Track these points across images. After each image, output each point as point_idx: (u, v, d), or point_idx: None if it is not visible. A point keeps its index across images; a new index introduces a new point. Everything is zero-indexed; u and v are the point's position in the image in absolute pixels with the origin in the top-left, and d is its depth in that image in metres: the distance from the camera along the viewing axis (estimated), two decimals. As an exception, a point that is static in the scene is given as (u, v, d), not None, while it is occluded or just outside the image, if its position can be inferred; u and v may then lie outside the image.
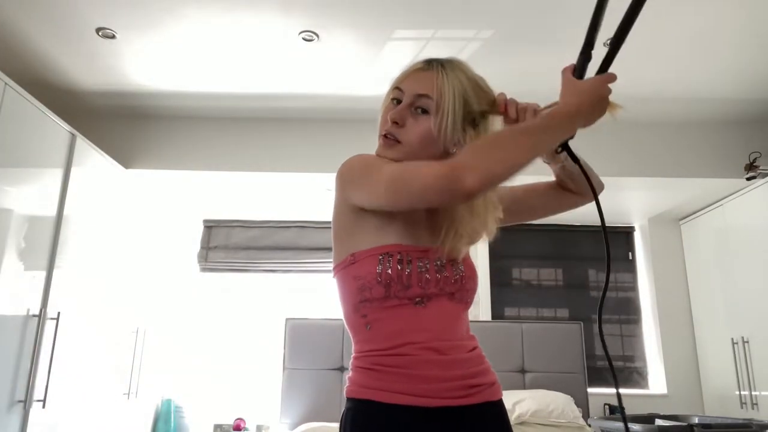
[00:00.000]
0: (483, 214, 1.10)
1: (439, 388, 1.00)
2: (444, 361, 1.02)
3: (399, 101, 1.11)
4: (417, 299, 1.04)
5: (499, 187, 1.04)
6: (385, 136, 1.10)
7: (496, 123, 1.12)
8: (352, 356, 1.10)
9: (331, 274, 1.14)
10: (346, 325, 1.11)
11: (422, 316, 1.04)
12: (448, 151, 1.10)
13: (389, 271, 1.03)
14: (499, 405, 1.08)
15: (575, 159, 1.13)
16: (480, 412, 1.03)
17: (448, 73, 1.07)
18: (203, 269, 4.34)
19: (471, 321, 1.15)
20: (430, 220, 1.12)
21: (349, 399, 1.05)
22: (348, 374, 1.08)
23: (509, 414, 3.18)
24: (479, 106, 1.08)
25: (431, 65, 1.10)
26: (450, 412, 1.00)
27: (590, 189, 1.11)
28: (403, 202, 0.99)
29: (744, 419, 2.72)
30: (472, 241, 1.13)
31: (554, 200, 1.26)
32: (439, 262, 1.07)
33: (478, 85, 1.10)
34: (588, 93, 1.02)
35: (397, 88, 1.12)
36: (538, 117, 1.03)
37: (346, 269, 1.08)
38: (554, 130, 0.99)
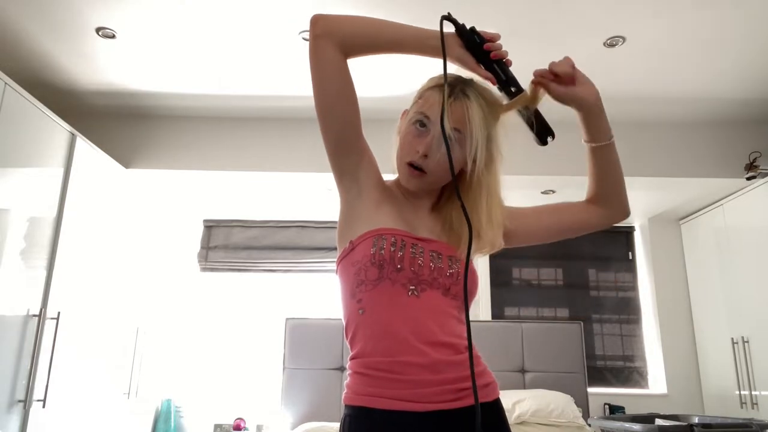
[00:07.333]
0: (498, 227, 1.11)
1: (430, 392, 1.00)
2: (434, 364, 1.01)
3: (422, 124, 1.09)
4: (411, 287, 1.04)
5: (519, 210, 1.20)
6: (410, 165, 1.09)
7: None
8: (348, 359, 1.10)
9: (335, 272, 1.15)
10: (343, 323, 1.11)
11: (414, 306, 1.04)
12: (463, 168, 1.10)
13: (382, 251, 1.04)
14: (494, 405, 1.08)
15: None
16: (474, 414, 1.03)
17: (473, 104, 1.05)
18: (203, 269, 4.34)
19: (471, 321, 1.14)
20: (433, 218, 1.16)
21: (345, 406, 1.06)
22: (346, 379, 1.09)
23: (509, 414, 3.22)
24: (495, 122, 1.09)
25: (454, 92, 1.07)
26: (442, 415, 1.00)
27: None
28: (313, 64, 1.08)
29: (744, 419, 2.71)
30: (493, 248, 1.14)
31: (584, 215, 1.24)
32: (434, 253, 1.08)
33: (493, 101, 1.10)
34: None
35: (422, 113, 1.09)
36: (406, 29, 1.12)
37: (346, 258, 1.09)
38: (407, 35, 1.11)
